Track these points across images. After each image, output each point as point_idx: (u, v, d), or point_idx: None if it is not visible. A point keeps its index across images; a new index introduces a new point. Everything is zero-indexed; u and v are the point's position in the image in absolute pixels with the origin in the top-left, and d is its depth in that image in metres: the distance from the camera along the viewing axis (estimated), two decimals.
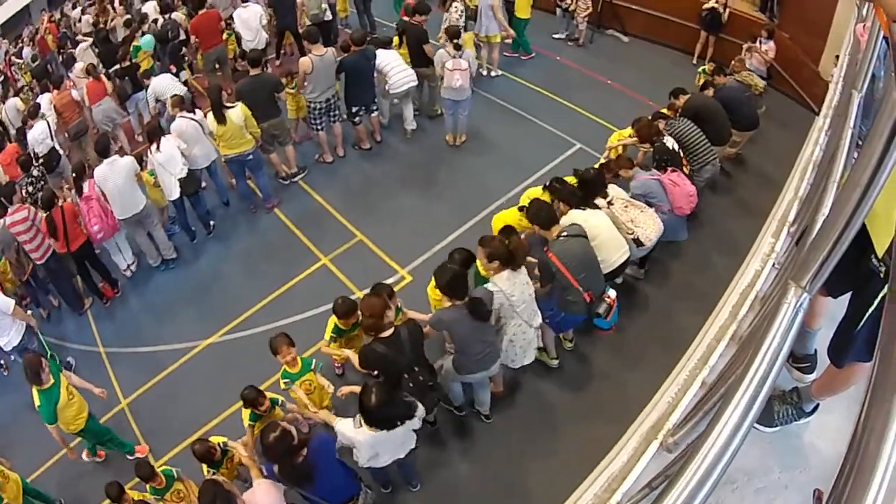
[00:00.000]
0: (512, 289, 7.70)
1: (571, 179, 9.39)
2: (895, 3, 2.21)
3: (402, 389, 7.21)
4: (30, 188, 13.55)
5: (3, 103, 20.22)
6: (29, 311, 11.87)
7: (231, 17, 17.26)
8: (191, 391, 10.96)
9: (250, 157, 12.95)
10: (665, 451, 4.38)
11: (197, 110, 12.85)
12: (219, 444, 8.07)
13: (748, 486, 4.26)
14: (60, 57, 23.03)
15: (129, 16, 21.20)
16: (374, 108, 14.53)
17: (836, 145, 4.81)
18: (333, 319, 8.65)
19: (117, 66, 17.35)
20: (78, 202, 12.07)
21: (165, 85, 15.25)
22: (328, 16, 17.49)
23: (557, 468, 8.10)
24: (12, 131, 18.04)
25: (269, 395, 8.31)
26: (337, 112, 14.17)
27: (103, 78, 16.26)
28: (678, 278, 10.72)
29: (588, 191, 8.91)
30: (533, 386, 9.54)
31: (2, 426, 11.89)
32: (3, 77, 27.09)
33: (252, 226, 13.94)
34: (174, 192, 12.50)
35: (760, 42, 13.96)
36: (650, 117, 10.98)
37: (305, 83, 13.31)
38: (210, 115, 12.25)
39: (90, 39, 20.48)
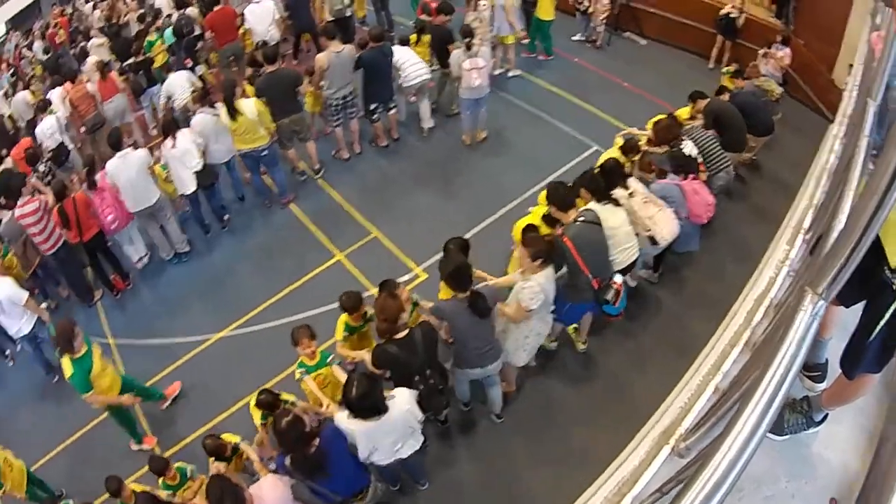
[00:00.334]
0: (549, 286, 7.74)
1: None
2: None
3: (413, 390, 7.21)
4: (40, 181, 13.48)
5: (13, 97, 20.31)
6: (43, 305, 11.89)
7: (243, 14, 17.15)
8: (200, 384, 10.98)
9: (265, 152, 12.95)
10: (677, 455, 4.38)
11: (218, 104, 12.75)
12: (230, 444, 8.09)
13: (756, 493, 4.26)
14: (73, 51, 23.07)
15: (142, 10, 21.19)
16: (393, 105, 14.48)
17: (852, 154, 4.79)
18: (343, 317, 8.61)
19: (131, 61, 17.40)
20: (90, 195, 12.04)
21: (179, 85, 15.26)
22: (349, 11, 17.43)
23: (567, 470, 8.02)
24: (21, 125, 18.07)
25: (284, 396, 8.27)
26: (354, 109, 14.16)
27: (113, 75, 16.29)
28: (691, 283, 10.68)
29: (608, 179, 8.81)
30: (544, 387, 9.53)
31: (6, 416, 11.96)
32: (13, 70, 27.14)
33: (267, 220, 13.96)
34: (190, 186, 12.51)
35: (776, 48, 13.90)
36: (667, 119, 10.89)
37: (322, 80, 13.29)
38: (224, 109, 12.24)
39: (103, 36, 20.62)
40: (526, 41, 17.26)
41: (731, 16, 15.09)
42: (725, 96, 11.80)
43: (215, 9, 17.00)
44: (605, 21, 17.47)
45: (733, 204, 11.78)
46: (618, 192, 8.70)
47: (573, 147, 13.88)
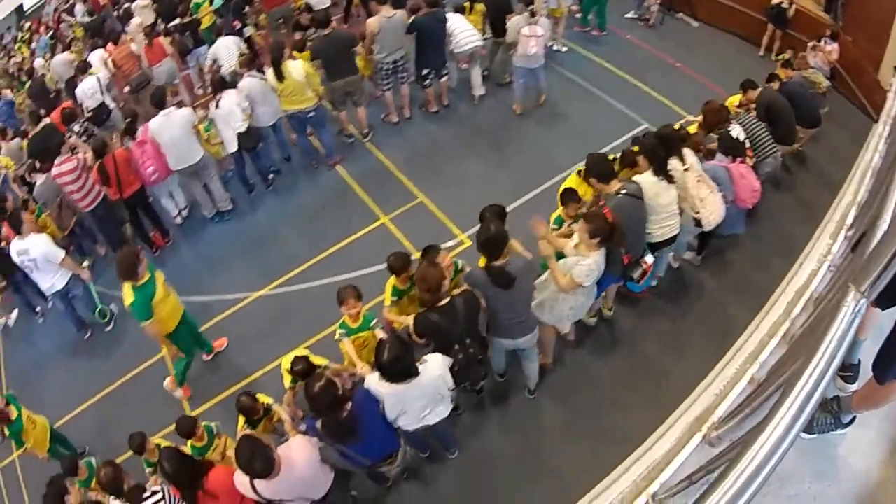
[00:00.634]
0: (603, 265, 7.69)
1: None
2: None
3: (452, 360, 7.21)
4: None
5: (52, 59, 20.46)
6: (85, 264, 11.97)
7: None
8: (237, 343, 11.05)
9: (311, 113, 12.89)
10: (707, 444, 4.37)
11: (266, 68, 12.80)
12: (264, 404, 8.13)
13: (780, 491, 4.24)
14: (116, 13, 23.14)
15: None
16: (445, 72, 14.44)
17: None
18: (392, 280, 8.55)
19: (177, 21, 17.51)
20: (131, 147, 12.11)
21: (225, 48, 15.24)
22: None
23: (597, 448, 7.99)
24: (61, 86, 18.15)
25: (316, 360, 8.27)
26: (405, 74, 14.12)
27: (160, 40, 16.34)
28: (734, 268, 10.59)
29: (666, 148, 8.67)
30: (580, 362, 9.53)
31: (35, 372, 12.12)
32: (52, 33, 27.27)
33: (312, 181, 13.97)
34: (232, 146, 12.55)
35: (825, 42, 13.79)
36: (717, 103, 10.77)
37: (373, 44, 13.22)
38: (270, 70, 12.25)
39: None
40: (578, 15, 17.25)
41: (783, 6, 14.94)
42: (776, 84, 11.68)
43: None
44: (659, 0, 17.40)
45: (779, 193, 11.68)
46: (673, 164, 8.60)
47: (623, 123, 13.77)
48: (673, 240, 9.02)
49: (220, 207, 13.45)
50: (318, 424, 6.54)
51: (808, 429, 4.44)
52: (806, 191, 11.74)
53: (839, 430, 4.41)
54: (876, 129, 7.34)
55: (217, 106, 12.12)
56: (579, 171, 9.50)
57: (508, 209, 9.00)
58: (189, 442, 8.02)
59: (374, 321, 8.55)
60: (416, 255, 10.21)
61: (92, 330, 12.11)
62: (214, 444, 8.22)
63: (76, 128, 13.97)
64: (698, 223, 8.97)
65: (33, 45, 28.47)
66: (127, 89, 16.59)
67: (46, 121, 15.12)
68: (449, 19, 13.71)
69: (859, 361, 4.79)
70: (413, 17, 13.24)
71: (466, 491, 8.44)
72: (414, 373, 6.56)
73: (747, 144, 10.13)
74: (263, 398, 8.22)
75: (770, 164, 10.51)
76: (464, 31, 13.75)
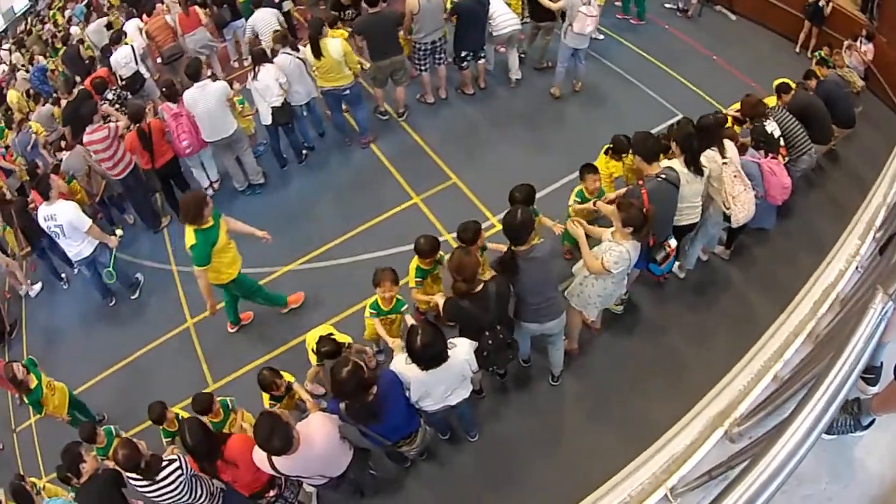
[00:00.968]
0: (635, 255, 7.68)
1: None
2: None
3: (481, 346, 7.24)
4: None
5: (87, 27, 20.58)
6: (119, 232, 11.80)
7: None
8: (260, 317, 11.07)
9: (347, 91, 12.82)
10: (728, 440, 4.37)
11: (300, 46, 12.80)
12: (286, 382, 8.16)
13: (796, 491, 4.22)
14: None
15: None
16: (483, 54, 14.31)
17: None
18: (415, 261, 8.60)
19: None
20: (166, 118, 12.11)
21: (264, 20, 15.24)
22: None
23: (618, 437, 8.07)
24: (96, 53, 18.23)
25: (339, 337, 8.30)
26: (443, 55, 14.02)
27: (195, 9, 16.35)
28: (761, 264, 10.54)
29: (704, 139, 8.67)
30: (603, 351, 9.51)
31: (56, 338, 12.25)
32: (87, 1, 27.38)
33: (345, 158, 13.94)
34: (266, 119, 12.58)
35: (860, 42, 13.71)
36: (756, 97, 10.66)
37: (412, 24, 13.14)
38: (308, 47, 12.22)
39: None
40: (618, 3, 17.21)
41: (820, 3, 14.84)
42: (812, 82, 11.61)
43: None
44: None
45: (809, 191, 11.65)
46: (712, 154, 8.63)
47: (658, 112, 13.68)
48: (689, 228, 9.10)
49: (251, 181, 13.47)
50: (342, 406, 6.54)
51: (828, 429, 4.41)
52: (837, 190, 11.67)
53: (858, 431, 4.38)
54: None
55: (255, 78, 12.15)
56: (606, 150, 9.67)
57: (542, 193, 9.04)
58: (206, 418, 7.99)
59: (405, 306, 8.61)
60: (446, 237, 10.24)
61: (116, 298, 12.19)
62: (231, 419, 8.26)
63: (109, 95, 14.08)
64: (727, 218, 8.96)
65: (68, 12, 28.60)
66: (159, 60, 16.60)
67: (81, 87, 15.19)
68: (489, 2, 13.62)
69: (882, 364, 4.76)
70: (457, 1, 13.20)
71: (485, 473, 8.45)
72: (444, 359, 6.56)
73: (781, 142, 10.09)
74: (287, 376, 8.25)
75: (805, 161, 10.48)
76: (503, 15, 13.69)
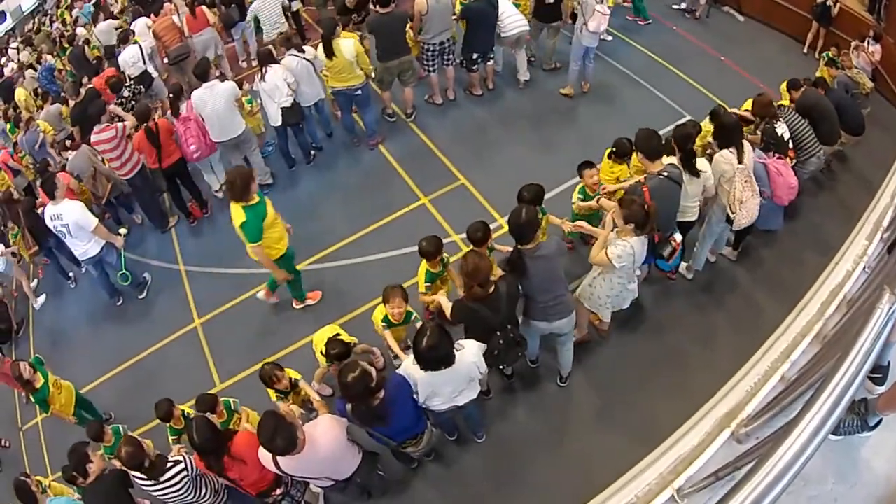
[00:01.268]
0: (640, 253, 7.70)
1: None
2: None
3: (491, 346, 7.25)
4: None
5: (95, 27, 20.61)
6: (123, 231, 11.87)
7: None
8: (267, 317, 11.09)
9: (359, 91, 12.81)
10: (735, 440, 4.38)
11: (308, 48, 12.81)
12: (288, 377, 8.15)
13: (802, 492, 4.22)
14: None
15: None
16: (492, 55, 14.29)
17: None
18: (424, 265, 8.56)
19: None
20: (174, 122, 12.14)
21: (269, 10, 15.46)
22: None
23: (624, 438, 8.07)
24: (103, 53, 18.27)
25: (345, 337, 8.35)
26: (451, 56, 14.03)
27: (202, 9, 16.36)
28: (768, 266, 10.53)
29: (724, 139, 8.72)
30: (609, 354, 9.51)
31: (63, 337, 12.30)
32: (96, 1, 27.43)
33: (354, 159, 13.92)
34: (276, 120, 12.54)
35: (868, 43, 13.68)
36: (768, 97, 10.62)
37: (421, 24, 13.14)
38: (320, 47, 12.20)
39: None
40: (627, 4, 17.20)
41: (828, 3, 14.83)
42: (820, 90, 11.52)
43: None
44: None
45: (817, 192, 11.64)
46: (727, 156, 8.60)
47: (666, 113, 13.65)
48: (689, 225, 9.16)
49: (260, 181, 13.07)
50: (349, 408, 6.54)
51: (835, 430, 4.39)
52: (844, 191, 11.68)
53: (865, 432, 4.37)
54: None
55: (263, 79, 12.13)
56: (609, 154, 9.72)
57: (550, 194, 9.05)
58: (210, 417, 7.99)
59: (414, 316, 8.63)
60: (454, 238, 10.24)
61: (123, 297, 12.23)
62: (234, 420, 8.28)
63: (126, 93, 14.14)
64: (729, 220, 8.97)
65: (75, 11, 28.65)
66: (165, 61, 16.66)
67: (89, 87, 15.21)
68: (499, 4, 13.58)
69: (889, 363, 4.75)
70: (467, 4, 13.23)
71: (491, 474, 8.46)
72: (450, 362, 6.55)
73: (790, 145, 10.07)
74: (291, 372, 8.26)
75: (813, 163, 10.46)
76: (511, 16, 13.59)
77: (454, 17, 13.32)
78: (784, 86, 11.67)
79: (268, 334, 10.72)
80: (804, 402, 2.88)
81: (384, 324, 8.48)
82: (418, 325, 8.46)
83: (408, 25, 13.32)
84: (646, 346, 9.52)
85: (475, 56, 13.91)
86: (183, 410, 8.36)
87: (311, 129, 13.83)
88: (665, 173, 8.08)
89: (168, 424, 8.28)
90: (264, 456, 6.36)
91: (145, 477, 6.94)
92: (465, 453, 8.67)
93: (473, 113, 14.56)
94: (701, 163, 8.61)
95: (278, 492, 7.29)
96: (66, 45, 22.84)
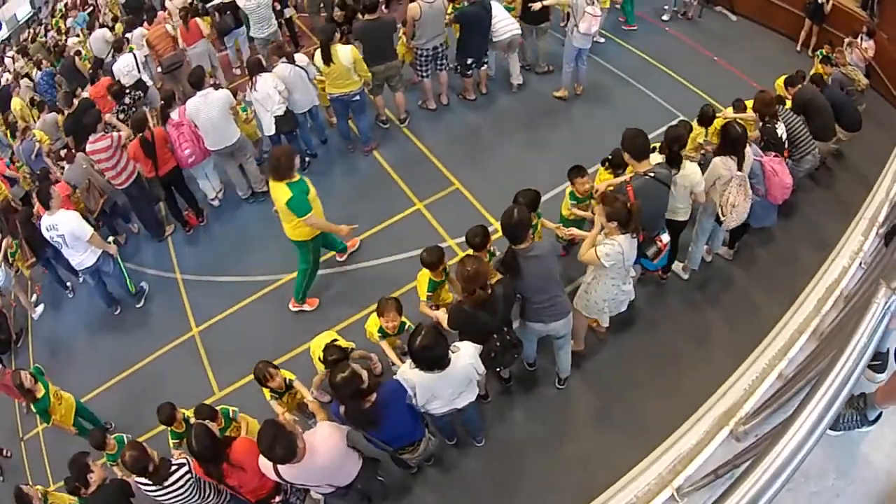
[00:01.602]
0: (629, 254, 7.68)
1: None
2: None
3: (489, 348, 7.27)
4: (121, 116, 13.58)
5: (90, 36, 20.66)
6: (110, 239, 11.96)
7: None
8: (265, 325, 11.10)
9: (356, 97, 12.80)
10: (734, 439, 4.39)
11: (301, 55, 12.88)
12: (282, 377, 8.14)
13: (803, 488, 4.22)
14: None
15: None
16: (486, 60, 14.39)
17: None
18: (427, 274, 8.54)
19: (217, 1, 17.49)
20: (168, 129, 12.15)
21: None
22: None
23: (624, 439, 7.98)
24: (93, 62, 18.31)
25: (342, 343, 8.39)
26: (444, 61, 14.02)
27: (196, 21, 16.39)
28: (765, 264, 10.57)
29: (728, 148, 8.70)
30: (607, 354, 9.53)
31: (62, 347, 12.29)
32: (91, 10, 27.50)
33: (349, 166, 13.93)
34: (270, 129, 12.52)
35: (861, 39, 13.71)
36: (771, 96, 10.61)
37: (414, 29, 13.17)
38: (318, 53, 12.17)
39: None
40: (618, 6, 17.07)
41: (820, 1, 14.89)
42: (818, 88, 11.59)
43: None
44: None
45: (813, 189, 11.69)
46: (728, 163, 8.63)
47: (659, 114, 13.61)
48: (679, 225, 9.24)
49: (255, 188, 13.47)
50: (341, 410, 6.58)
51: (834, 425, 4.39)
52: (840, 187, 11.73)
53: (865, 427, 4.36)
54: None
55: (254, 88, 12.12)
56: (604, 162, 9.79)
57: (545, 197, 9.05)
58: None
59: (407, 325, 8.62)
60: (449, 243, 10.26)
61: (121, 307, 12.22)
62: (231, 428, 8.31)
63: (127, 99, 14.16)
64: (718, 219, 9.04)
65: (69, 20, 28.68)
66: (159, 70, 16.63)
67: (84, 95, 15.29)
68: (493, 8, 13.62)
69: (888, 350, 4.75)
70: (461, 9, 13.27)
71: (491, 478, 8.46)
72: (445, 364, 6.56)
73: (786, 144, 10.11)
74: (286, 373, 8.26)
75: (808, 161, 10.50)
76: (503, 20, 13.65)
77: (447, 21, 13.34)
78: (780, 82, 11.73)
79: (266, 342, 10.68)
80: (802, 399, 2.89)
81: (380, 334, 8.52)
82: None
83: (400, 31, 13.45)
84: (642, 346, 9.55)
85: (470, 61, 13.93)
86: (184, 414, 8.34)
87: (306, 136, 13.80)
88: (652, 174, 8.10)
89: (170, 429, 8.28)
90: (265, 464, 6.37)
91: (150, 482, 6.96)
92: (464, 457, 8.68)
93: (467, 118, 14.60)
94: (689, 166, 8.65)
95: (277, 499, 7.32)
96: (56, 60, 22.80)
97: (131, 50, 15.81)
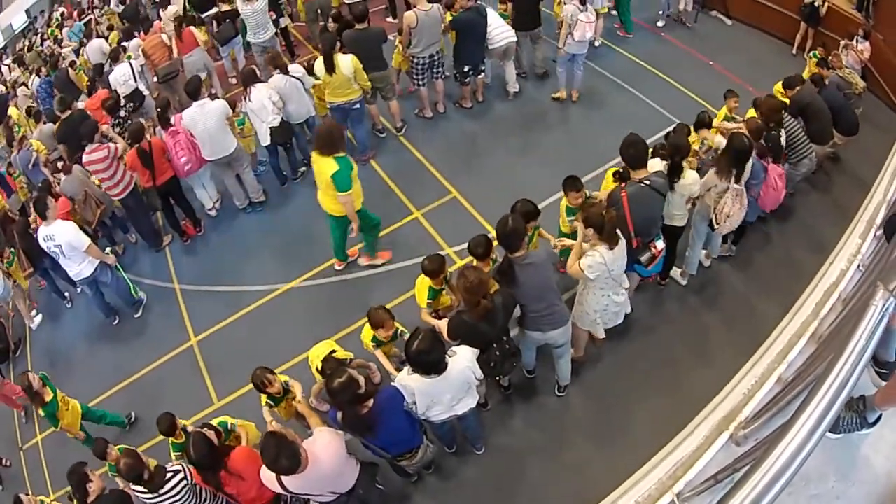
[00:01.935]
0: (614, 264, 7.64)
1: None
2: None
3: (488, 357, 7.33)
4: (117, 129, 13.62)
5: (86, 46, 20.67)
6: (108, 250, 11.85)
7: None
8: (264, 334, 11.09)
9: (356, 106, 12.81)
10: (734, 443, 4.38)
11: (296, 65, 12.87)
12: (282, 383, 8.19)
13: (803, 491, 4.21)
14: (152, 1, 23.19)
15: None
16: (483, 68, 14.35)
17: None
18: (427, 282, 8.49)
19: (213, 11, 17.55)
20: (163, 136, 12.14)
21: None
22: None
23: (623, 445, 8.06)
24: (90, 74, 18.28)
25: (340, 353, 8.44)
26: (440, 69, 14.07)
27: (190, 30, 16.36)
28: (763, 268, 10.57)
29: (732, 162, 8.66)
30: (606, 361, 9.53)
31: (60, 357, 12.26)
32: (87, 20, 27.50)
33: None
34: (265, 139, 12.53)
35: (857, 41, 13.72)
36: (776, 101, 10.61)
37: (410, 38, 13.18)
38: (318, 62, 12.19)
39: None
40: (615, 13, 17.12)
41: (815, 4, 14.90)
42: (817, 89, 11.60)
43: None
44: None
45: (810, 193, 11.70)
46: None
47: (656, 120, 13.65)
48: (677, 231, 9.30)
49: (252, 199, 13.48)
50: (339, 416, 6.62)
51: (834, 428, 4.39)
52: (837, 190, 11.74)
53: (865, 429, 4.36)
54: None
55: (249, 99, 12.12)
56: (614, 174, 9.54)
57: (542, 205, 9.04)
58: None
59: (401, 331, 8.65)
60: (448, 251, 10.27)
61: (119, 317, 12.21)
62: (229, 441, 8.23)
63: (122, 112, 14.29)
64: (711, 225, 9.13)
65: (65, 30, 28.69)
66: (155, 79, 16.65)
67: (79, 105, 15.26)
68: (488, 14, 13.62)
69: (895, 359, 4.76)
70: (455, 14, 13.32)
71: (491, 486, 8.45)
72: (442, 368, 6.55)
73: (785, 150, 10.14)
74: (281, 376, 8.32)
75: (805, 165, 10.52)
76: (498, 28, 13.66)
77: (444, 28, 13.35)
78: (779, 85, 11.72)
79: (264, 351, 10.55)
80: (801, 402, 2.89)
81: (374, 343, 8.54)
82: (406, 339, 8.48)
83: (397, 40, 13.42)
84: (641, 351, 9.55)
85: (467, 69, 13.94)
86: (183, 425, 8.33)
87: (302, 146, 13.81)
88: (647, 182, 8.13)
89: (171, 440, 8.25)
90: (268, 477, 6.35)
91: (146, 490, 6.98)
92: (464, 465, 8.67)
93: (463, 126, 14.61)
94: (690, 175, 8.69)
95: None
96: (50, 71, 22.79)
97: (129, 59, 15.77)
